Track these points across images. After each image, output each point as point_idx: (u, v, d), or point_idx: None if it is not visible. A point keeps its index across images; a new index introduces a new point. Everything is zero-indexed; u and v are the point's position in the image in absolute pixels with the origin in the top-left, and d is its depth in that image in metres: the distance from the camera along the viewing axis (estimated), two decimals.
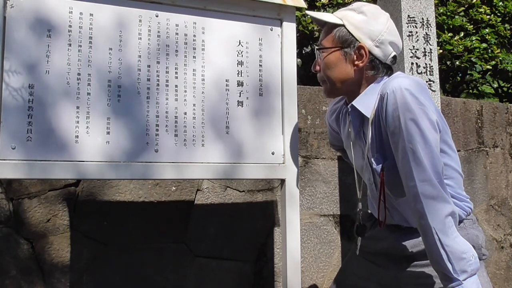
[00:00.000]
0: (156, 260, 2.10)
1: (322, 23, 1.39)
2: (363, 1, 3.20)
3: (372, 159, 1.29)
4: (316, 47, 1.39)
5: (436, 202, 1.15)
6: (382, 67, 1.33)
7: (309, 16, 1.45)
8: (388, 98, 1.18)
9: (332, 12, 1.40)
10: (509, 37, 3.80)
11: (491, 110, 3.11)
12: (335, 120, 1.56)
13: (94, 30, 1.52)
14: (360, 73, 1.32)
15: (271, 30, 1.75)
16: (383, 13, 1.35)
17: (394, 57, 1.35)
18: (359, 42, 1.30)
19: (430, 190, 1.15)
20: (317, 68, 1.39)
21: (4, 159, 1.39)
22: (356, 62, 1.31)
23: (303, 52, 3.23)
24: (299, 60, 2.88)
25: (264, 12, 1.73)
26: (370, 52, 1.30)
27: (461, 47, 3.43)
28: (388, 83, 1.22)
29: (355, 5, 1.36)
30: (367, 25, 1.31)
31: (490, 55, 3.56)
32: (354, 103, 1.33)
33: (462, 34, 3.50)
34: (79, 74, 1.49)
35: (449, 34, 3.44)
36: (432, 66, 2.30)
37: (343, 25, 1.32)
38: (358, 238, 1.45)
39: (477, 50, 3.50)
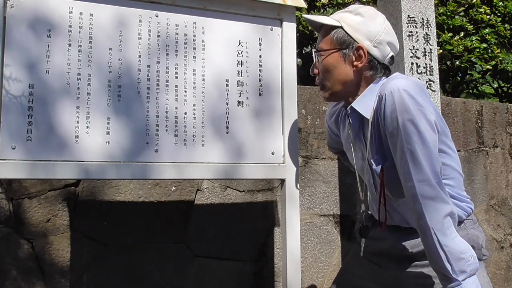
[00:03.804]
0: (156, 260, 2.10)
1: (319, 26, 1.39)
2: (363, 1, 3.22)
3: (372, 160, 1.29)
4: (314, 50, 1.39)
5: (435, 202, 1.15)
6: (380, 68, 1.33)
7: (305, 20, 1.44)
8: (386, 99, 1.18)
9: (333, 12, 1.40)
10: (509, 37, 3.80)
11: (491, 110, 3.11)
12: (334, 122, 1.56)
13: (94, 30, 1.52)
14: (359, 74, 1.33)
15: (271, 30, 1.75)
16: (379, 14, 1.35)
17: (392, 57, 1.35)
18: (358, 43, 1.30)
19: (428, 191, 1.15)
20: (316, 71, 1.39)
21: (4, 159, 1.39)
22: (355, 63, 1.31)
23: (303, 52, 3.23)
24: (299, 60, 2.88)
25: (264, 12, 1.73)
26: (368, 53, 1.30)
27: (461, 47, 3.43)
28: (387, 84, 1.22)
29: (351, 7, 1.37)
30: (365, 26, 1.31)
31: (490, 55, 3.56)
32: (353, 104, 1.33)
33: (462, 34, 3.50)
34: (79, 74, 1.49)
35: (449, 34, 3.45)
36: (432, 66, 2.30)
37: (340, 27, 1.32)
38: (361, 239, 1.44)
39: (477, 50, 3.50)
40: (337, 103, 1.54)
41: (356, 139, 1.38)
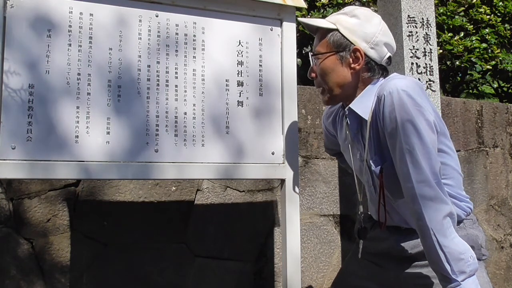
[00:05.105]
0: (156, 260, 2.10)
1: (315, 29, 1.39)
2: (363, 1, 3.21)
3: (371, 161, 1.29)
4: (311, 54, 1.39)
5: (434, 203, 1.15)
6: (378, 69, 1.33)
7: (301, 23, 1.45)
8: (385, 99, 1.18)
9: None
10: (509, 37, 3.80)
11: (491, 110, 3.11)
12: (331, 123, 1.56)
13: (94, 29, 1.52)
14: (357, 76, 1.33)
15: (271, 30, 1.75)
16: (375, 15, 1.35)
17: (389, 58, 1.35)
18: (354, 45, 1.30)
19: (427, 191, 1.15)
20: (313, 75, 1.39)
21: (4, 159, 1.39)
22: (353, 65, 1.31)
23: (303, 52, 3.23)
24: (299, 60, 2.88)
25: (264, 12, 1.73)
26: (365, 54, 1.30)
27: (461, 47, 3.43)
28: (385, 84, 1.22)
29: (347, 9, 1.36)
30: (361, 27, 1.31)
31: (490, 55, 3.56)
32: (351, 106, 1.33)
33: (462, 34, 3.51)
34: (79, 74, 1.49)
35: (449, 34, 3.45)
36: (432, 66, 2.30)
37: (336, 30, 1.32)
38: (360, 240, 1.44)
39: (477, 50, 3.50)
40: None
41: (354, 140, 1.37)
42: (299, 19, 1.45)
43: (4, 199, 1.94)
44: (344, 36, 1.31)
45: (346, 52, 1.31)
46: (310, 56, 1.39)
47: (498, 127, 3.12)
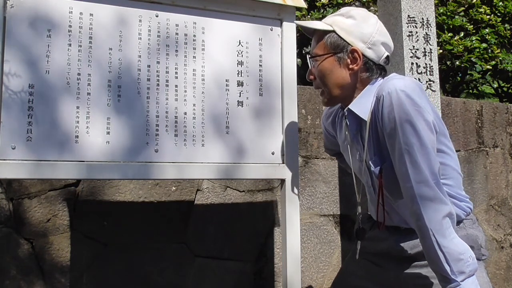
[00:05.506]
0: (156, 260, 2.10)
1: (312, 31, 1.39)
2: (363, 1, 3.21)
3: (370, 162, 1.29)
4: (309, 56, 1.39)
5: (433, 203, 1.15)
6: (376, 69, 1.33)
7: (298, 26, 1.45)
8: (384, 100, 1.18)
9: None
10: (509, 37, 3.80)
11: (491, 110, 3.11)
12: (331, 124, 1.56)
13: (94, 30, 1.52)
14: (355, 76, 1.33)
15: (271, 30, 1.75)
16: (371, 15, 1.35)
17: (387, 57, 1.35)
18: (352, 46, 1.30)
19: (426, 191, 1.15)
20: (311, 77, 1.39)
21: (4, 159, 1.39)
22: (351, 66, 1.31)
23: (303, 52, 3.23)
24: (299, 60, 2.88)
25: (264, 12, 1.73)
26: (363, 55, 1.30)
27: (461, 47, 3.44)
28: (384, 85, 1.22)
29: (343, 10, 1.37)
30: (358, 28, 1.31)
31: (490, 55, 3.57)
32: (350, 106, 1.33)
33: (462, 34, 3.51)
34: (79, 74, 1.49)
35: (449, 34, 3.45)
36: (432, 66, 2.30)
37: (333, 31, 1.32)
38: (357, 241, 1.44)
39: (477, 50, 3.50)
40: None
41: (354, 141, 1.37)
42: (296, 22, 1.45)
43: (4, 199, 1.94)
44: (341, 37, 1.31)
45: (343, 53, 1.31)
46: (308, 58, 1.39)
47: (498, 127, 3.12)
